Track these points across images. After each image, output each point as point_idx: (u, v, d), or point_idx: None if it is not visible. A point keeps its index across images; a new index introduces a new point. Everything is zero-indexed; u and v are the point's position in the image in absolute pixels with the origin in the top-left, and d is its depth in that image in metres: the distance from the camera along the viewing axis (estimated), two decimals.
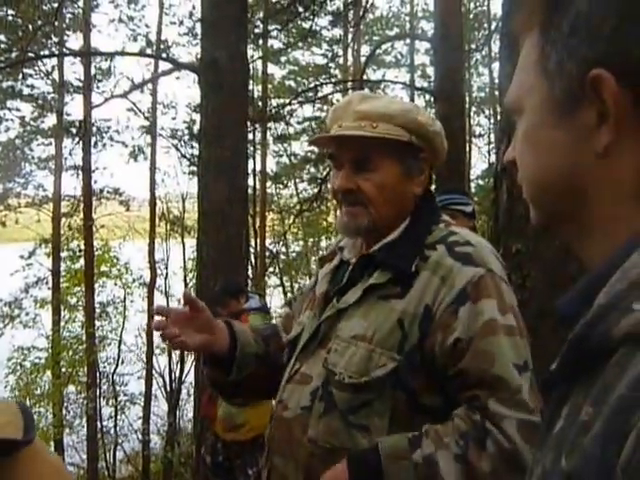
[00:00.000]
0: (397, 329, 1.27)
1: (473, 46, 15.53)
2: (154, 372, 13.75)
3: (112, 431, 13.15)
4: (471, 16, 15.51)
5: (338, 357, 1.31)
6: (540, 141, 0.59)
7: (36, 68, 13.24)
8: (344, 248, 1.48)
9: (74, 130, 13.10)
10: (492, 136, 16.96)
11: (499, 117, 3.18)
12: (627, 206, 0.55)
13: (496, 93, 15.72)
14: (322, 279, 1.49)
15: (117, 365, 13.57)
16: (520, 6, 0.63)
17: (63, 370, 12.95)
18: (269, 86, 15.88)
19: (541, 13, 0.59)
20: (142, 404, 13.59)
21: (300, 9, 9.21)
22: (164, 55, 13.50)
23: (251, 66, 6.37)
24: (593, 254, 0.58)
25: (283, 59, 16.86)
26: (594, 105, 0.54)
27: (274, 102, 15.25)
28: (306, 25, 11.70)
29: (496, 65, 16.06)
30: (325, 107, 15.56)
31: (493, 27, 14.96)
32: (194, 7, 13.91)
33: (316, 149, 17.27)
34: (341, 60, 17.58)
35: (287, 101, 12.46)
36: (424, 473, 1.15)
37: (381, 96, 1.44)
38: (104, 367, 13.61)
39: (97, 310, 13.70)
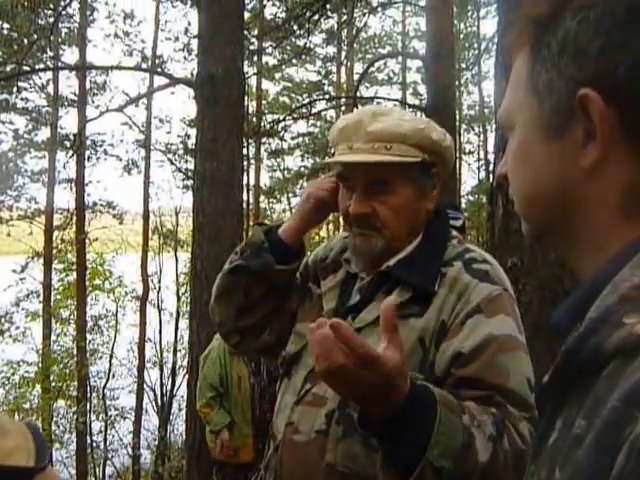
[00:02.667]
0: (418, 348, 1.23)
1: (463, 65, 15.79)
2: (145, 386, 13.69)
3: (102, 446, 13.04)
4: (461, 36, 15.74)
5: None
6: (530, 157, 0.60)
7: (31, 81, 13.32)
8: (350, 260, 1.42)
9: (68, 143, 13.13)
10: (482, 153, 17.19)
11: (494, 133, 3.13)
12: (615, 221, 0.55)
13: (485, 111, 15.95)
14: (328, 293, 1.42)
15: (108, 379, 13.49)
16: (512, 24, 0.65)
17: (53, 384, 12.86)
18: (263, 102, 16.04)
19: (531, 32, 0.60)
20: (133, 418, 13.51)
21: (295, 27, 9.33)
22: (159, 70, 13.60)
23: (246, 82, 6.45)
24: (584, 267, 0.59)
25: (277, 75, 17.03)
26: (582, 123, 0.55)
27: (268, 118, 15.36)
28: (300, 42, 11.87)
29: (486, 84, 16.32)
30: (319, 123, 15.71)
31: (483, 47, 15.24)
32: (189, 23, 14.11)
33: (309, 164, 17.45)
34: (334, 77, 17.80)
35: (281, 117, 12.55)
36: (465, 438, 1.05)
37: (391, 111, 1.35)
38: (95, 381, 13.53)
39: (89, 323, 13.66)
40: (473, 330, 1.20)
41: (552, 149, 0.58)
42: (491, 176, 3.04)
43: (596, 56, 0.54)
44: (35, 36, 10.41)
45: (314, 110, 10.97)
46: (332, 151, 1.40)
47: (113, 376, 13.77)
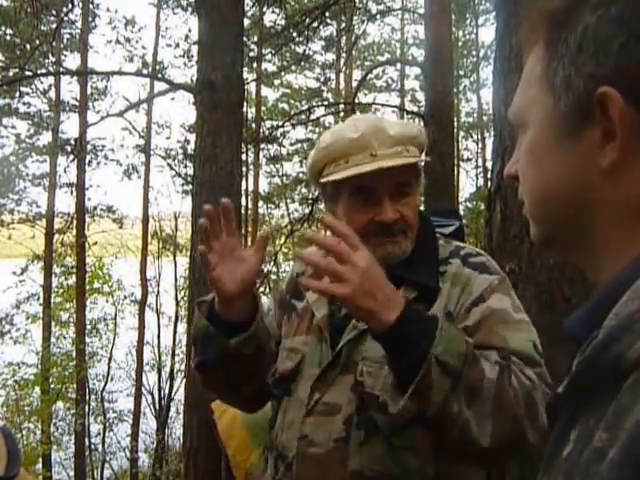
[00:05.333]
0: None
1: (462, 72, 15.93)
2: (143, 389, 13.75)
3: (100, 448, 13.10)
4: (460, 44, 15.88)
5: (373, 380, 1.23)
6: (543, 156, 0.58)
7: (33, 86, 13.42)
8: None
9: (69, 148, 13.24)
10: (480, 160, 17.32)
11: (492, 139, 3.13)
12: (633, 224, 0.53)
13: (484, 118, 16.06)
14: (316, 301, 1.39)
15: (106, 382, 13.56)
16: (524, 20, 0.62)
17: (52, 386, 12.93)
18: (262, 108, 16.14)
19: (546, 27, 0.58)
20: (131, 421, 13.56)
21: (294, 34, 9.42)
22: (160, 76, 13.72)
23: (245, 88, 6.54)
24: (598, 272, 0.57)
25: (277, 82, 17.15)
26: (600, 122, 0.53)
27: (267, 124, 15.49)
28: (300, 49, 11.99)
29: (484, 91, 16.42)
30: (317, 129, 15.81)
31: (481, 54, 15.38)
32: (190, 30, 14.24)
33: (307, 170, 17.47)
34: (333, 84, 17.92)
35: (280, 123, 12.67)
36: (469, 350, 1.11)
37: (384, 116, 1.41)
38: (93, 384, 13.61)
39: (88, 326, 13.73)
40: (476, 313, 1.26)
41: (567, 149, 0.55)
42: (489, 182, 3.01)
43: (617, 52, 0.52)
44: (37, 42, 10.51)
45: (313, 116, 11.05)
46: (327, 167, 1.34)
47: (112, 379, 13.83)
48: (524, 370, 1.17)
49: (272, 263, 15.79)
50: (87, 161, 13.85)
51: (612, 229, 0.54)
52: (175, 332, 13.83)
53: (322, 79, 17.51)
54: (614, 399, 0.46)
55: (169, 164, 14.71)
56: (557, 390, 0.54)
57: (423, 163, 1.38)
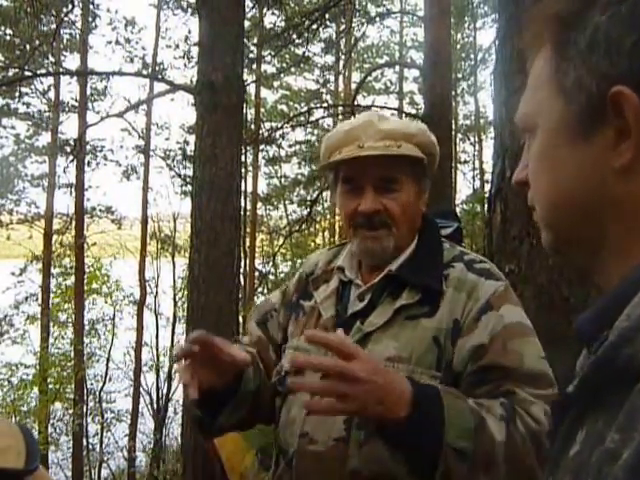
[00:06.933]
0: (433, 347, 1.26)
1: (460, 75, 15.99)
2: (141, 389, 13.77)
3: (98, 448, 13.11)
4: (458, 46, 15.94)
5: None
6: (556, 160, 0.57)
7: (32, 87, 13.45)
8: (343, 268, 1.43)
9: (68, 148, 13.26)
10: (477, 163, 17.38)
11: (492, 141, 3.14)
12: None
13: (481, 121, 16.12)
14: (324, 302, 1.41)
15: (104, 382, 13.57)
16: (528, 24, 0.62)
17: (50, 387, 12.93)
18: (262, 110, 16.19)
19: (554, 30, 0.57)
20: (129, 421, 13.58)
21: (294, 36, 9.45)
22: (159, 76, 13.75)
23: (245, 89, 6.55)
24: (609, 274, 0.56)
25: (276, 84, 17.22)
26: (613, 122, 0.52)
27: (266, 125, 15.54)
28: (299, 51, 12.03)
29: (481, 94, 16.47)
30: (316, 131, 15.87)
31: (479, 58, 15.44)
32: (190, 31, 14.29)
33: (306, 172, 17.60)
34: (332, 86, 17.98)
35: (279, 125, 12.72)
36: (476, 419, 1.12)
37: (391, 115, 1.42)
38: (91, 384, 13.63)
39: (86, 327, 13.75)
40: (487, 325, 1.25)
41: (580, 151, 0.55)
42: (489, 184, 3.03)
43: (629, 51, 0.51)
44: (37, 42, 10.51)
45: (312, 118, 11.09)
46: (329, 158, 1.38)
47: (110, 379, 13.85)
48: (530, 410, 1.17)
49: (270, 264, 15.84)
50: (86, 162, 13.90)
51: (625, 231, 0.54)
52: (173, 333, 13.85)
53: (321, 81, 17.60)
54: (626, 400, 0.46)
55: (168, 165, 14.77)
56: (566, 390, 0.54)
57: (426, 162, 1.38)
